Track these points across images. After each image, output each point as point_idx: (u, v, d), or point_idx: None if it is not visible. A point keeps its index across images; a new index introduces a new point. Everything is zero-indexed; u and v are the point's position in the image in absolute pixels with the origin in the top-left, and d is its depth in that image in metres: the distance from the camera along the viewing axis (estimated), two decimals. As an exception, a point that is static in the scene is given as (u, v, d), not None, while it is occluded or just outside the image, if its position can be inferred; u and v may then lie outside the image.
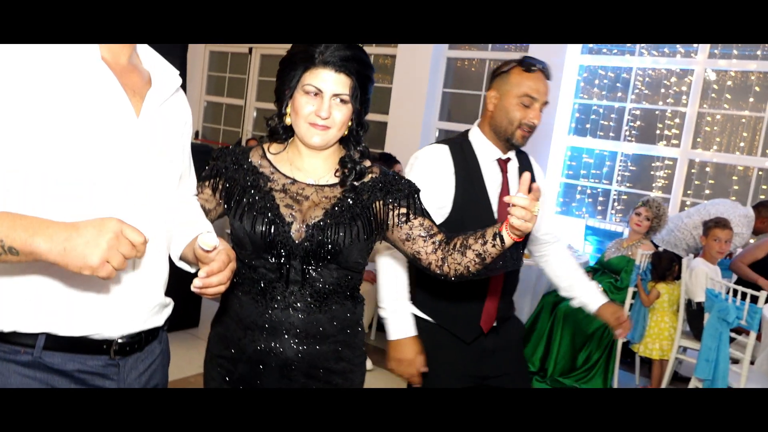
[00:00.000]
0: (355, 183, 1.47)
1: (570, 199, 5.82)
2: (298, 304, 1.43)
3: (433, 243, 1.44)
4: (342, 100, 1.39)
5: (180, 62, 3.79)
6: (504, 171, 1.97)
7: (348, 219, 1.42)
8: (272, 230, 1.40)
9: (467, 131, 2.03)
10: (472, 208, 1.90)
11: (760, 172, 4.98)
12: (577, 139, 5.70)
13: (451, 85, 6.60)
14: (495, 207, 1.92)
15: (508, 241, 1.32)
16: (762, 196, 4.93)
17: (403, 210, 1.46)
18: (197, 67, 8.65)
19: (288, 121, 1.45)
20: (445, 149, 1.95)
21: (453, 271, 1.42)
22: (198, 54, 8.59)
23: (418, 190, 1.51)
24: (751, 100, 5.01)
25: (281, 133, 1.49)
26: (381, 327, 4.40)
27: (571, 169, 5.81)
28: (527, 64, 1.87)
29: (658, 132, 5.35)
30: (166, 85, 1.24)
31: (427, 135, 6.57)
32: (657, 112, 5.35)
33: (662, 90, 5.34)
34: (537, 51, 5.63)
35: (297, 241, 1.40)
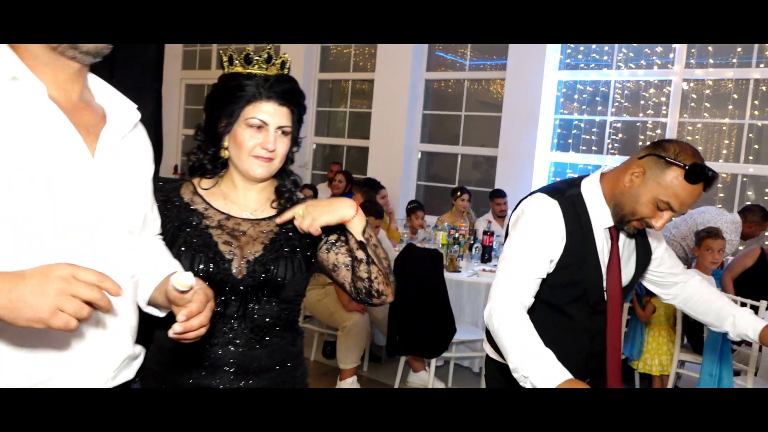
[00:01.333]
0: None
1: (556, 215, 5.77)
2: (238, 340, 1.39)
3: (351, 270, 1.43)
4: (284, 132, 1.40)
5: (155, 95, 3.68)
6: (614, 239, 1.70)
7: (289, 252, 1.41)
8: (212, 269, 1.35)
9: (580, 181, 1.72)
10: (576, 273, 1.67)
11: (744, 179, 4.97)
12: (560, 154, 5.68)
13: (431, 107, 6.58)
14: (605, 275, 1.71)
15: (355, 225, 1.35)
16: (747, 203, 4.92)
17: (333, 237, 1.44)
18: (173, 100, 8.56)
19: (226, 154, 1.42)
20: (555, 206, 1.65)
21: (362, 292, 1.42)
22: (174, 87, 8.51)
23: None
24: (730, 107, 5.03)
25: (209, 168, 1.45)
26: (374, 357, 4.29)
27: (555, 185, 5.77)
28: (693, 174, 1.52)
29: (640, 144, 5.34)
30: (123, 121, 1.15)
31: (409, 158, 6.52)
32: (638, 124, 5.35)
33: (641, 102, 5.35)
34: (516, 67, 5.63)
35: (239, 278, 1.36)
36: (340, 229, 1.40)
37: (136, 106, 1.21)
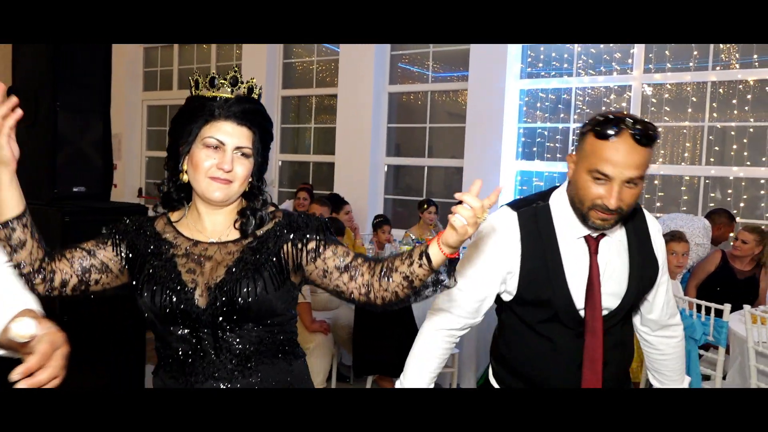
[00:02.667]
0: (258, 232, 1.38)
1: (525, 223, 5.75)
2: (218, 374, 1.31)
3: (350, 272, 1.31)
4: (244, 154, 1.33)
5: (103, 118, 3.58)
6: (593, 251, 1.52)
7: (252, 272, 1.32)
8: (174, 300, 1.29)
9: (551, 191, 1.60)
10: (541, 292, 1.53)
11: (707, 180, 5.00)
12: (525, 163, 5.66)
13: (396, 120, 6.53)
14: (575, 295, 1.52)
15: (438, 259, 1.14)
16: (711, 204, 4.94)
17: (312, 245, 1.35)
18: (136, 123, 8.40)
19: (185, 178, 1.36)
20: (512, 218, 1.55)
21: (380, 299, 1.27)
22: (135, 109, 8.35)
23: (327, 224, 1.40)
24: (689, 110, 5.06)
25: (175, 198, 1.41)
26: (341, 377, 4.17)
27: (522, 194, 5.75)
28: (600, 126, 1.37)
29: (604, 149, 5.34)
30: None
31: (375, 172, 6.45)
32: (601, 130, 5.35)
33: (603, 108, 5.36)
34: (478, 77, 5.61)
35: (203, 307, 1.30)
36: (315, 234, 1.34)
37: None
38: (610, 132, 1.35)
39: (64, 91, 3.29)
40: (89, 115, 3.42)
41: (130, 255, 1.37)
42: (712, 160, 4.99)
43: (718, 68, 4.91)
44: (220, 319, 1.30)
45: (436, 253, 1.13)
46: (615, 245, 1.55)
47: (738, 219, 4.74)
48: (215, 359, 1.31)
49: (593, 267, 1.51)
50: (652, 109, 5.20)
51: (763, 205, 4.82)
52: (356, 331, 3.49)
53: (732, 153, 4.91)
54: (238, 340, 1.32)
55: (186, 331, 1.32)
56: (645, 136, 1.34)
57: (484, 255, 1.55)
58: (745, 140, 4.86)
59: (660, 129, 5.18)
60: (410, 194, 6.54)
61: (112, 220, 1.42)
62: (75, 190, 3.27)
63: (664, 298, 1.68)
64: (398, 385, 1.66)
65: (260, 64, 6.95)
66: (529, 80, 5.65)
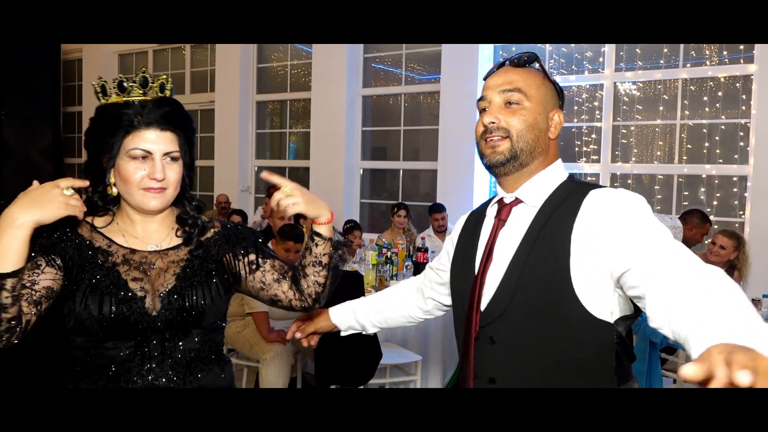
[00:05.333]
0: (200, 239, 1.40)
1: (501, 226, 5.68)
2: (159, 381, 1.30)
3: (287, 281, 1.42)
4: (173, 158, 1.32)
5: (52, 126, 3.51)
6: (499, 218, 1.28)
7: (203, 278, 1.35)
8: (124, 309, 1.26)
9: None
10: (459, 270, 1.35)
11: (680, 179, 4.95)
12: (499, 164, 5.60)
13: (370, 123, 6.46)
14: (477, 265, 1.28)
15: (324, 230, 1.36)
16: (685, 203, 4.89)
17: (252, 257, 1.41)
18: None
19: (114, 191, 1.33)
20: (463, 217, 1.47)
21: (310, 297, 1.42)
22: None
23: (261, 236, 1.46)
24: (661, 108, 5.01)
25: (101, 204, 1.36)
26: (307, 386, 4.09)
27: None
28: (488, 72, 1.33)
29: (577, 149, 5.29)
30: None
31: (350, 176, 6.38)
32: (573, 130, 5.30)
33: (575, 107, 5.31)
34: (450, 79, 5.56)
35: (153, 315, 1.29)
36: (252, 246, 1.41)
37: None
38: (493, 69, 1.32)
39: (11, 101, 3.22)
40: (39, 123, 3.35)
41: (65, 266, 1.28)
42: (684, 158, 4.94)
43: (688, 65, 4.87)
44: (170, 326, 1.30)
45: (318, 227, 1.36)
46: (523, 218, 1.25)
47: (712, 217, 4.69)
48: (155, 367, 1.30)
49: (492, 236, 1.27)
50: (624, 108, 5.15)
51: (736, 203, 4.77)
52: (318, 341, 3.42)
53: (704, 151, 4.86)
54: (181, 346, 1.32)
55: (133, 339, 1.29)
56: (521, 59, 1.28)
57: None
58: (717, 138, 4.81)
59: (632, 128, 5.13)
60: (386, 198, 6.48)
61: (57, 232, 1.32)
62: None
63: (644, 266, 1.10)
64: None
65: (234, 69, 6.88)
66: (502, 81, 5.59)
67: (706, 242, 4.43)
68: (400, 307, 1.63)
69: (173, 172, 1.31)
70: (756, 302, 3.37)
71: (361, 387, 3.49)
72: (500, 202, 1.30)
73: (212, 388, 1.36)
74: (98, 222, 1.37)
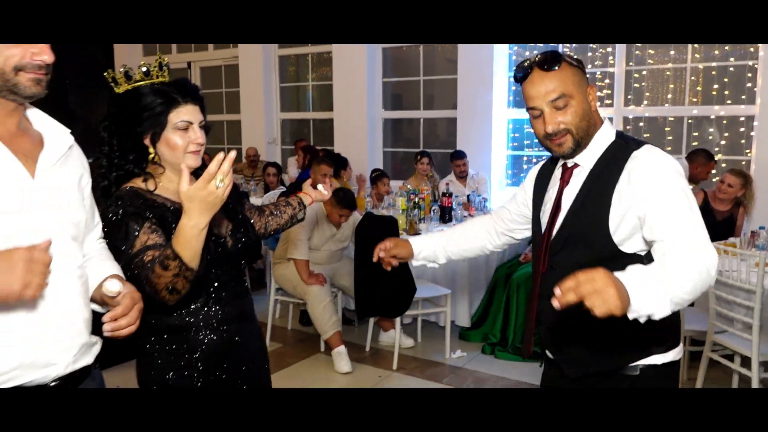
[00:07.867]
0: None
1: (518, 170, 5.98)
2: (228, 296, 1.70)
3: (260, 215, 1.93)
4: (201, 126, 1.62)
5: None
6: (564, 180, 1.62)
7: (242, 216, 1.76)
8: (211, 246, 1.57)
9: None
10: (536, 220, 1.71)
11: (690, 120, 5.19)
12: (516, 111, 5.85)
13: (390, 74, 6.69)
14: (547, 217, 1.64)
15: (307, 200, 2.01)
16: (695, 143, 5.14)
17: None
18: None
19: (156, 159, 1.60)
20: (537, 166, 1.82)
21: (270, 229, 1.96)
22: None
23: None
24: (672, 52, 5.21)
25: (137, 171, 1.61)
26: (347, 320, 4.53)
27: (515, 141, 5.96)
28: (516, 74, 1.56)
29: (591, 94, 5.51)
30: (58, 145, 1.34)
31: (373, 126, 6.67)
32: (588, 75, 5.50)
33: (589, 54, 5.50)
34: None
35: (231, 249, 1.67)
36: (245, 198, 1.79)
37: (69, 130, 1.39)
38: (521, 74, 1.54)
39: (71, 70, 3.52)
40: (96, 90, 3.67)
41: (155, 226, 1.55)
42: (694, 100, 5.16)
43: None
44: (241, 254, 1.70)
45: (304, 196, 1.99)
46: (579, 181, 1.59)
47: (719, 156, 4.96)
48: (233, 286, 1.70)
49: (558, 194, 1.62)
50: (637, 52, 5.34)
51: (743, 141, 5.02)
52: (356, 279, 3.82)
53: (713, 93, 5.08)
54: (240, 272, 1.73)
55: (219, 270, 1.63)
56: (547, 62, 1.49)
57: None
58: (726, 79, 5.02)
59: (644, 72, 5.34)
60: (408, 146, 6.77)
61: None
62: None
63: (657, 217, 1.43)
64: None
65: (256, 25, 7.07)
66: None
67: (714, 180, 4.72)
68: (476, 240, 1.96)
69: (203, 137, 1.61)
70: (754, 234, 3.67)
71: (397, 318, 3.90)
72: (564, 166, 1.63)
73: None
74: (150, 185, 1.60)
